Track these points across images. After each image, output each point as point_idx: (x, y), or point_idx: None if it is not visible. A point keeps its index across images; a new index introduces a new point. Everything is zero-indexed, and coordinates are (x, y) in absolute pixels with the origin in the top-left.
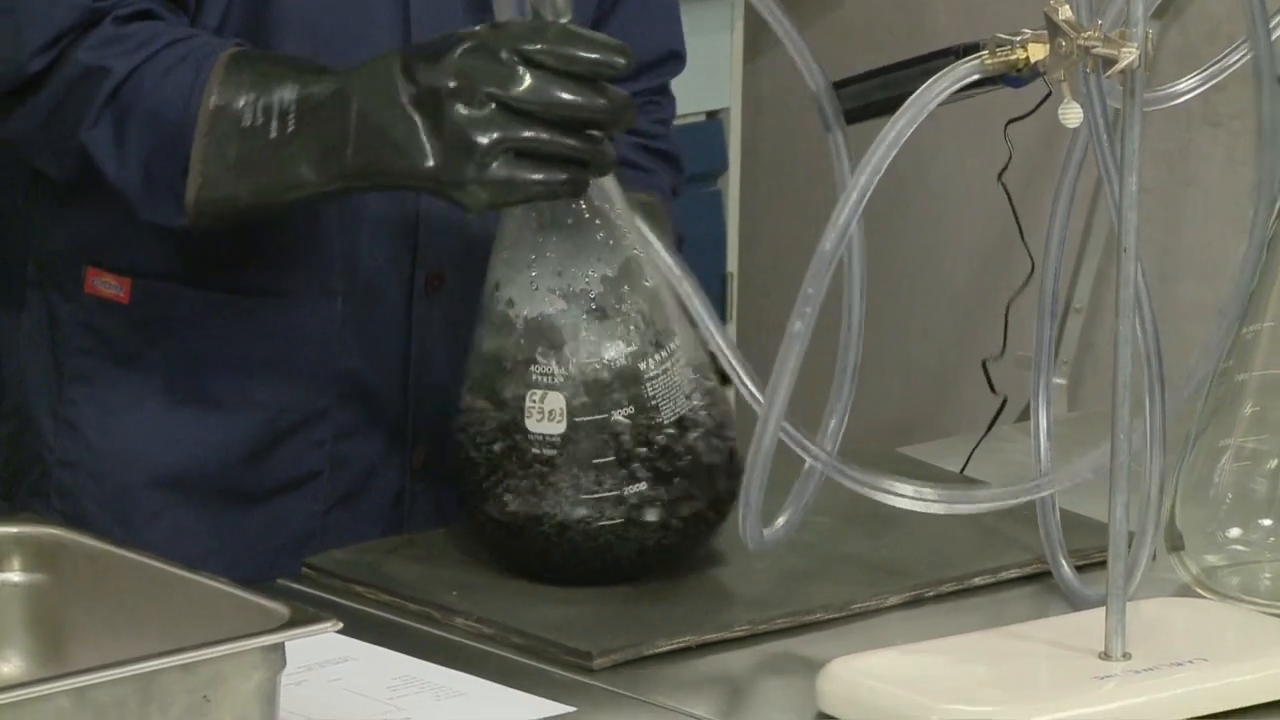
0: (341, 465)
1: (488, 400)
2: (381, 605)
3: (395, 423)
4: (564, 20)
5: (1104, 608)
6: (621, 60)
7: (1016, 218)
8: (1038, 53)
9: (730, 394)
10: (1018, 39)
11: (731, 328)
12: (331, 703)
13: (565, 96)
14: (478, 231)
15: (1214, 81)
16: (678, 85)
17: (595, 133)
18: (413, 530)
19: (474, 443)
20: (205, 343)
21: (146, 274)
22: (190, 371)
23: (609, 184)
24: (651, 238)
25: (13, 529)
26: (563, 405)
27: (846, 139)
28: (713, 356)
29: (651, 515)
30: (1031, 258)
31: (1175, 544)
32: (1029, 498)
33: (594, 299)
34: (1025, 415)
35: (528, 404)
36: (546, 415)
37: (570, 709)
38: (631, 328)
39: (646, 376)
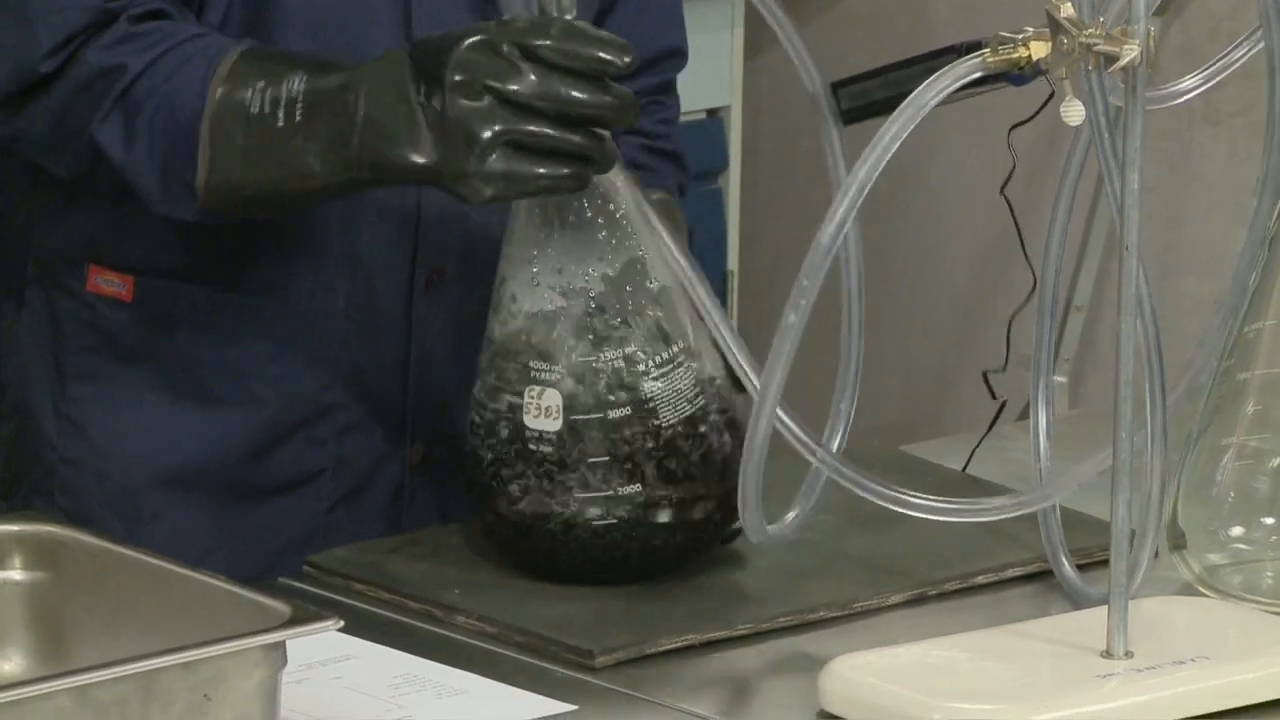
0: (344, 463)
1: (495, 395)
2: (383, 604)
3: (395, 419)
4: (568, 17)
5: (1106, 606)
6: (625, 57)
7: (1019, 230)
8: (1040, 50)
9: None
10: (1020, 37)
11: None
12: (332, 701)
13: (567, 91)
14: (478, 227)
15: (1217, 79)
16: (679, 82)
17: (597, 129)
18: (411, 526)
19: (481, 438)
20: (207, 340)
21: (149, 272)
22: (193, 369)
23: (620, 183)
24: (667, 238)
25: (13, 527)
26: (559, 402)
27: (842, 137)
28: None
29: (656, 515)
30: (1033, 270)
31: (1177, 542)
32: (1037, 508)
33: (594, 297)
34: (1026, 414)
35: (526, 400)
36: (544, 412)
37: (572, 708)
38: (631, 328)
39: (646, 377)
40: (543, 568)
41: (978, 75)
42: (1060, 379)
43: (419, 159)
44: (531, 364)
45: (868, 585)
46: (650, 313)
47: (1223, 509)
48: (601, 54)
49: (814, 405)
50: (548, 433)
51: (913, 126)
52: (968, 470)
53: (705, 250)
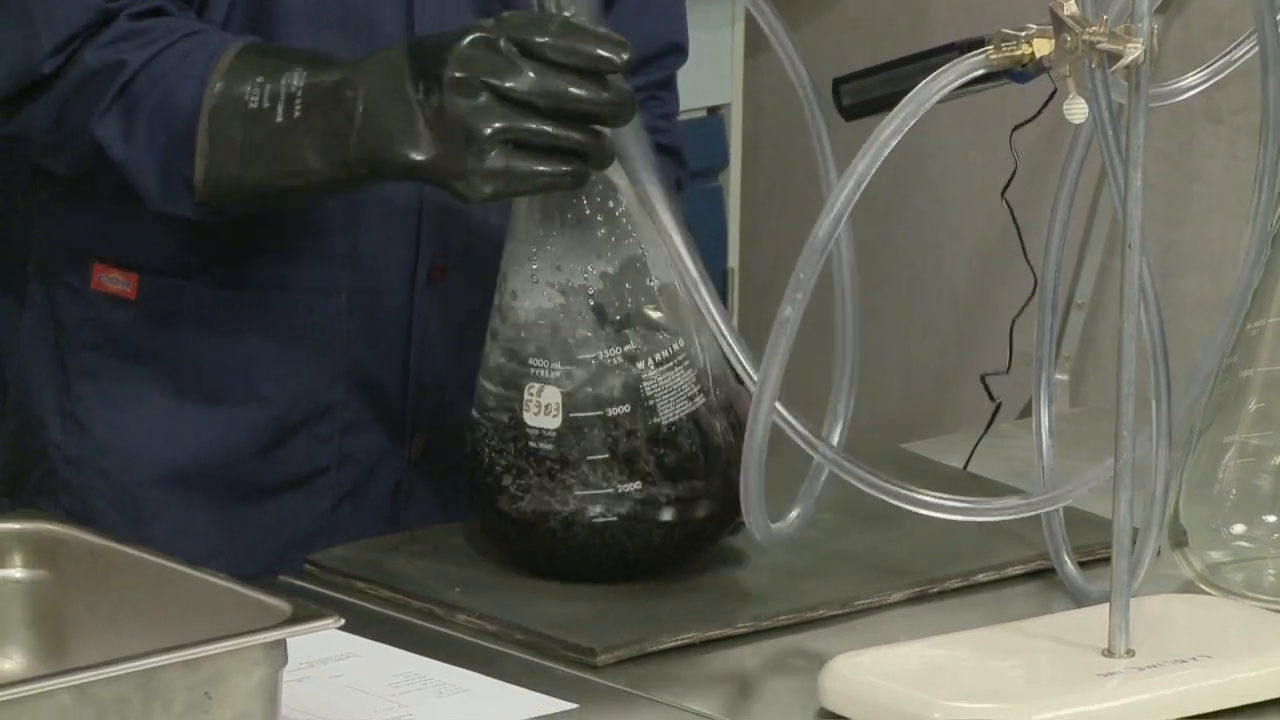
0: (347, 460)
1: (495, 392)
2: (384, 602)
3: (396, 415)
4: (568, 13)
5: (1107, 604)
6: (623, 54)
7: (1019, 233)
8: (1043, 48)
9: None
10: (1022, 34)
11: (732, 323)
12: (333, 700)
13: (566, 89)
14: (479, 222)
15: (1219, 77)
16: (679, 80)
17: (596, 126)
18: (411, 522)
19: (481, 435)
20: (211, 338)
21: (153, 270)
22: (196, 367)
23: (617, 180)
24: (676, 236)
25: (14, 525)
26: (558, 400)
27: (831, 135)
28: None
29: (657, 513)
30: (1033, 271)
31: (1179, 540)
32: (1046, 509)
33: (592, 295)
34: (1027, 412)
35: (526, 397)
36: (543, 409)
37: (573, 706)
38: (631, 326)
39: (644, 375)
40: (543, 566)
41: (980, 72)
42: (1061, 377)
43: (417, 156)
44: (531, 361)
45: (868, 583)
46: (650, 310)
47: (1224, 506)
48: (600, 51)
49: (816, 403)
50: (547, 430)
51: (914, 122)
52: (968, 468)
53: (705, 248)
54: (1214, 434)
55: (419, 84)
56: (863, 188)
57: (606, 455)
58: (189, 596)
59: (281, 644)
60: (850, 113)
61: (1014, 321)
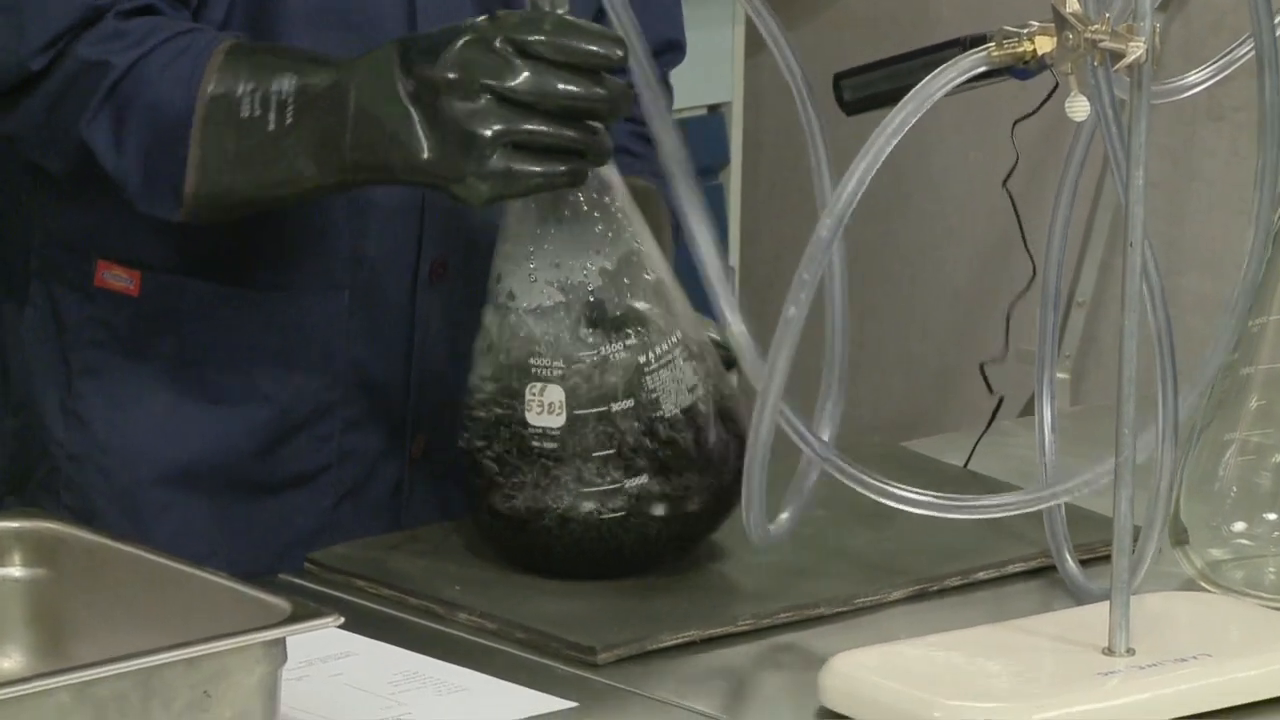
0: (348, 458)
1: (491, 394)
2: (384, 600)
3: (397, 413)
4: (561, 11)
5: (1108, 602)
6: (618, 51)
7: (1020, 223)
8: (1045, 45)
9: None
10: (1025, 31)
11: None
12: (333, 698)
13: (562, 87)
14: (481, 218)
15: (1222, 74)
16: (680, 79)
17: (593, 123)
18: (411, 521)
19: (478, 436)
20: (213, 336)
21: (156, 267)
22: (199, 365)
23: (611, 175)
24: (699, 231)
25: (13, 524)
26: (561, 398)
27: (826, 135)
28: (719, 347)
29: (655, 508)
30: (1033, 261)
31: (1180, 538)
32: (1043, 506)
33: (592, 291)
34: (1027, 410)
35: (528, 397)
36: (546, 408)
37: (573, 704)
38: (631, 320)
39: (646, 369)
40: (539, 564)
41: (982, 69)
42: (1061, 375)
43: (414, 161)
44: (532, 361)
45: (869, 581)
46: (648, 304)
47: (1225, 504)
48: (595, 47)
49: (814, 401)
50: (551, 429)
51: (915, 120)
52: (969, 466)
53: None
54: (1215, 431)
55: (412, 86)
56: (864, 187)
57: (612, 451)
58: (188, 595)
59: (281, 642)
60: (851, 108)
61: (1011, 309)
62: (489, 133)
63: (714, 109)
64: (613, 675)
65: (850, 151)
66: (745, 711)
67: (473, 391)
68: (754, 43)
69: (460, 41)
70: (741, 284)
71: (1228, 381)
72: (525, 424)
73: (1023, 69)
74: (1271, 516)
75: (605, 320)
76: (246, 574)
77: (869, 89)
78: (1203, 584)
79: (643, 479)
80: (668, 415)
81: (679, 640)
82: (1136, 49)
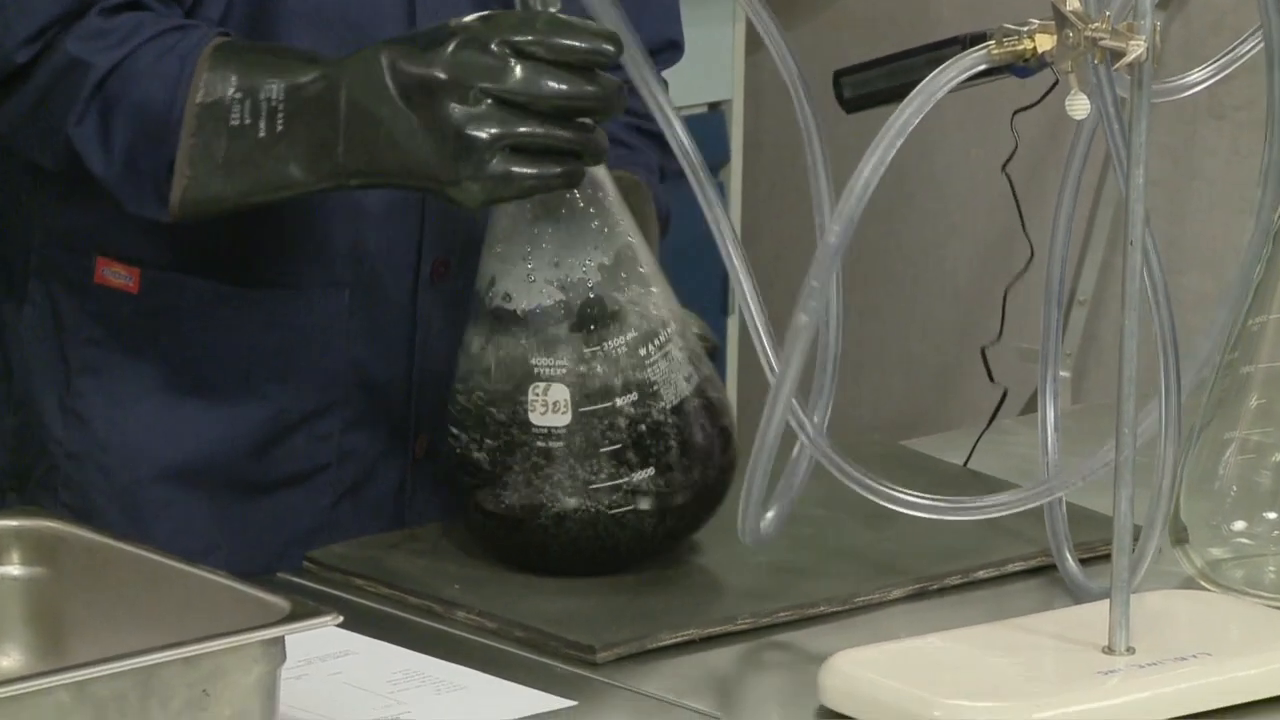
0: (348, 457)
1: (484, 397)
2: (382, 599)
3: (399, 413)
4: (553, 9)
5: (1108, 601)
6: (611, 48)
7: (1019, 206)
8: (1045, 44)
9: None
10: (1025, 29)
11: (734, 321)
12: (332, 697)
13: (556, 86)
14: (482, 216)
15: (1224, 73)
16: (680, 77)
17: (587, 121)
18: (414, 520)
19: (471, 440)
20: (213, 334)
21: (155, 264)
22: (198, 363)
23: (600, 171)
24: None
25: (12, 522)
26: (566, 397)
27: (823, 135)
28: (702, 340)
29: (652, 502)
30: (1031, 245)
31: (1179, 537)
32: (1038, 503)
33: (592, 288)
34: (1028, 408)
35: (530, 397)
36: (550, 407)
37: (572, 703)
38: (630, 314)
39: (647, 361)
40: (535, 562)
41: (982, 67)
42: (1063, 373)
43: (409, 164)
44: (534, 361)
45: (868, 580)
46: (645, 296)
47: (1225, 503)
48: (589, 45)
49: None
50: (556, 428)
51: (916, 121)
52: (969, 465)
53: (706, 244)
54: (1214, 430)
55: (405, 87)
56: (870, 191)
57: (618, 446)
58: (187, 594)
59: (280, 641)
60: (851, 105)
61: (1008, 290)
62: (485, 136)
63: (714, 107)
64: (612, 674)
65: (850, 150)
66: (744, 710)
67: (464, 392)
68: (754, 40)
69: (453, 42)
70: None
71: (1228, 380)
72: (528, 425)
73: (1023, 67)
74: (1271, 515)
75: (606, 315)
76: (245, 572)
77: (869, 86)
78: (1203, 583)
79: (649, 471)
80: (668, 406)
81: (678, 639)
82: (1137, 47)
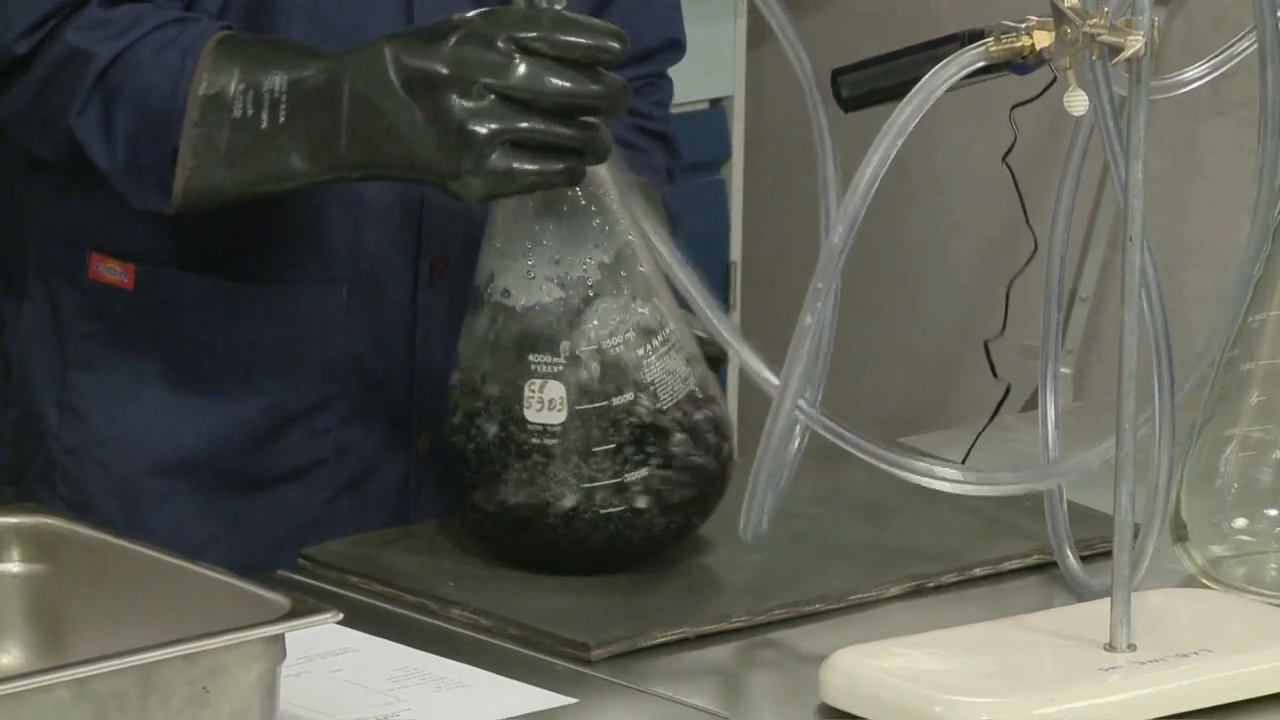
0: (346, 452)
1: (483, 393)
2: (378, 596)
3: (400, 409)
4: (558, 6)
5: (1109, 598)
6: (616, 45)
7: (1021, 198)
8: (1043, 40)
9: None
10: (1023, 26)
11: (735, 317)
12: (332, 694)
13: (560, 83)
14: (482, 215)
15: (1222, 70)
16: (681, 73)
17: (591, 119)
18: (419, 517)
19: (470, 436)
20: (209, 329)
21: (150, 260)
22: (194, 358)
23: (602, 169)
24: (646, 223)
25: (12, 519)
26: (562, 394)
27: (830, 128)
28: (703, 341)
29: (653, 500)
30: (1035, 237)
31: (1180, 534)
32: (1041, 486)
33: (591, 286)
34: (1029, 405)
35: (526, 394)
36: (546, 404)
37: (572, 700)
38: (629, 314)
39: (645, 362)
40: (541, 561)
41: (981, 64)
42: (1065, 370)
43: (411, 157)
44: (531, 358)
45: (865, 577)
46: (645, 296)
47: (1226, 500)
48: (594, 42)
49: (827, 394)
50: (551, 425)
51: (917, 119)
52: (969, 461)
53: (707, 241)
54: (1215, 428)
55: (408, 81)
56: (874, 190)
57: (613, 445)
58: (187, 591)
59: (280, 639)
60: (849, 105)
61: (1011, 283)
62: (486, 131)
63: (715, 103)
64: (608, 671)
65: (850, 145)
66: (746, 708)
67: (462, 389)
68: (756, 37)
69: (456, 37)
70: (743, 279)
71: (1228, 377)
72: (524, 422)
73: (1021, 64)
74: (1272, 512)
75: (605, 314)
76: (244, 566)
77: (867, 85)
78: (1203, 580)
79: (642, 472)
80: (665, 407)
81: (672, 637)
82: (1135, 42)
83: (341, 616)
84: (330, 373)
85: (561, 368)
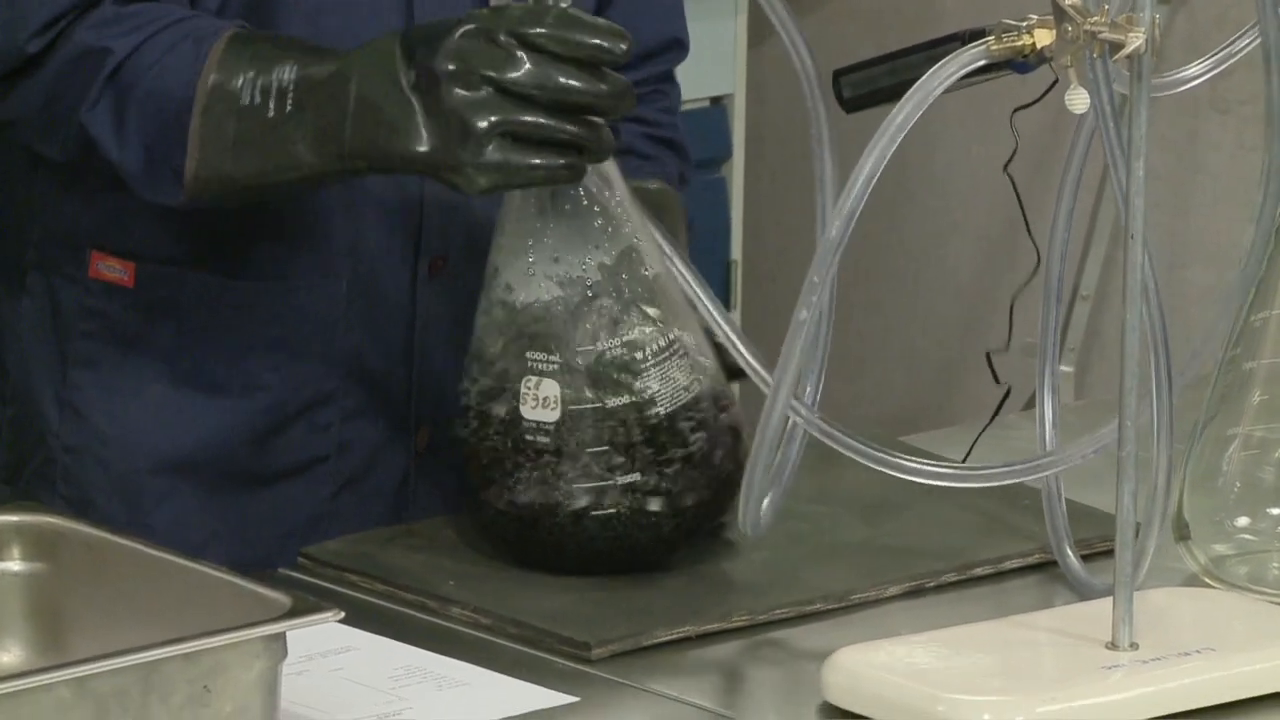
0: (346, 449)
1: (489, 387)
2: (378, 594)
3: (399, 406)
4: (564, 4)
5: (1110, 597)
6: (621, 45)
7: (1023, 210)
8: (1044, 38)
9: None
10: (1024, 24)
11: (736, 315)
12: (333, 693)
13: (564, 81)
14: (481, 215)
15: (1222, 67)
16: (682, 71)
17: (594, 118)
18: (417, 514)
19: (474, 430)
20: (209, 327)
21: (150, 258)
22: (194, 355)
23: (611, 171)
24: (653, 228)
25: (12, 518)
26: (557, 393)
27: (832, 131)
28: (720, 349)
29: (656, 504)
30: (1037, 249)
31: (1183, 533)
32: (1037, 475)
33: (590, 286)
34: (1031, 404)
35: (523, 391)
36: (541, 402)
37: (573, 699)
38: (629, 316)
39: (643, 366)
40: (548, 561)
41: (982, 63)
42: (1066, 368)
43: (413, 149)
44: (528, 355)
45: (866, 576)
46: (646, 301)
47: (1228, 499)
48: (598, 41)
49: (826, 392)
50: (545, 423)
51: (916, 117)
52: (970, 460)
53: (708, 240)
54: (1218, 426)
55: (413, 75)
56: (871, 187)
57: (605, 447)
58: (187, 589)
59: (281, 637)
60: (851, 105)
61: (1015, 298)
62: (485, 123)
63: (716, 101)
64: (610, 670)
65: (850, 144)
66: (748, 707)
67: (468, 384)
68: (756, 34)
69: (461, 31)
70: (744, 277)
71: (1231, 376)
72: (521, 419)
73: (1022, 62)
74: (1275, 511)
75: (603, 315)
76: (245, 563)
77: (868, 85)
78: (1206, 579)
79: (634, 476)
80: (663, 413)
81: (673, 636)
82: (1136, 39)
83: (343, 615)
84: (330, 370)
85: (556, 366)
